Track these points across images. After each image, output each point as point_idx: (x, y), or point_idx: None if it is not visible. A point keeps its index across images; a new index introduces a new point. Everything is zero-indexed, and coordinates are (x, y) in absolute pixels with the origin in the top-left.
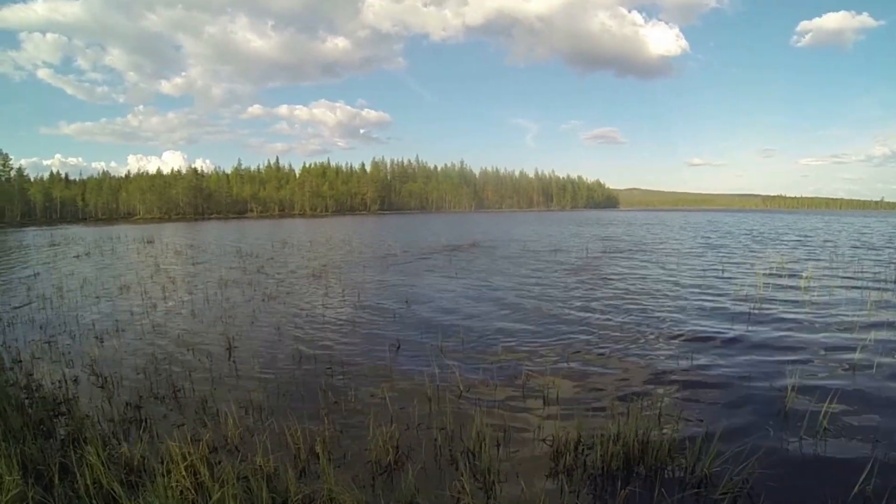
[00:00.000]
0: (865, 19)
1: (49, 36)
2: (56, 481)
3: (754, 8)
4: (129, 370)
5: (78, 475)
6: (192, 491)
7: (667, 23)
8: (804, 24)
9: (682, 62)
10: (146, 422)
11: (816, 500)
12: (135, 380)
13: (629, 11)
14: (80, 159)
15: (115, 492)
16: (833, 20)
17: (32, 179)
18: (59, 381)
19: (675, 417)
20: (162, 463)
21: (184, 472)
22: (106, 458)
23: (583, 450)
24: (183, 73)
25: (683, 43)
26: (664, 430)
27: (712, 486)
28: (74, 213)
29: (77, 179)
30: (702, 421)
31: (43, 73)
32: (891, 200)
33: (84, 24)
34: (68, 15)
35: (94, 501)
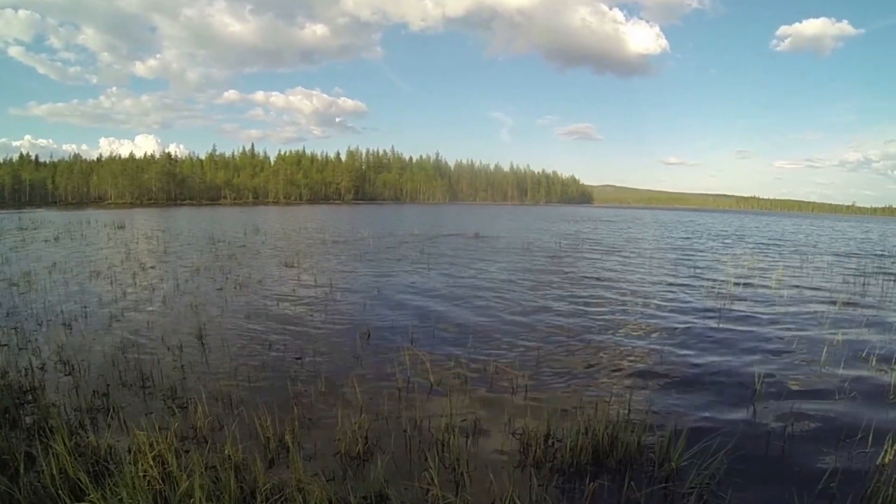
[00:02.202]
0: (845, 27)
1: (21, 12)
2: (22, 471)
3: (736, 10)
4: (97, 358)
5: (44, 465)
6: (160, 481)
7: (647, 21)
8: (784, 29)
9: (662, 61)
10: (114, 410)
11: (782, 496)
12: (103, 367)
13: (610, 8)
14: (50, 141)
15: (81, 482)
16: (813, 26)
17: (1, 161)
18: (26, 369)
19: (645, 412)
20: (129, 452)
21: (151, 462)
22: (72, 447)
23: (552, 443)
24: (158, 56)
25: (663, 42)
26: (633, 425)
27: (680, 480)
28: (44, 197)
29: (47, 162)
30: (671, 416)
31: (14, 51)
32: (862, 205)
33: (58, 2)
34: None
35: (60, 491)
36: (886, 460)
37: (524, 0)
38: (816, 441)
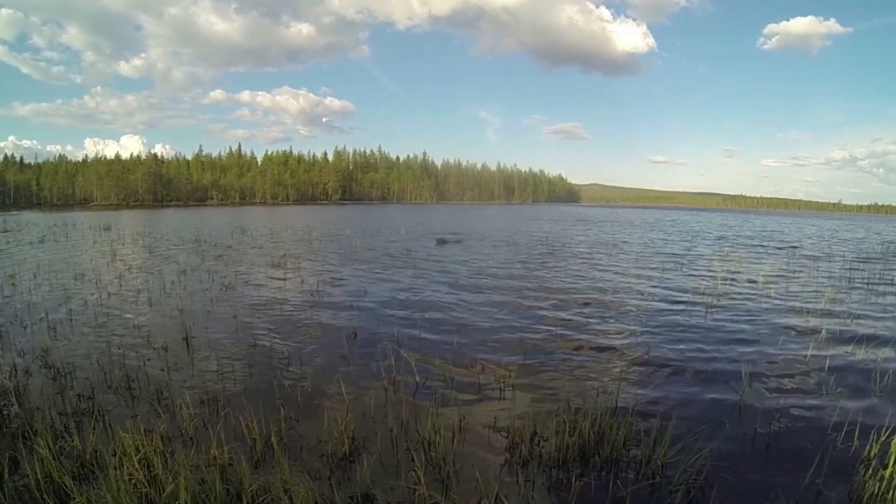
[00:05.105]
0: (832, 25)
1: (4, 11)
2: (6, 475)
3: (723, 8)
4: (82, 361)
5: (28, 469)
6: (146, 483)
7: (635, 20)
8: (771, 27)
9: (649, 60)
10: (99, 413)
11: (768, 492)
12: (88, 370)
13: (597, 7)
14: (34, 142)
15: (66, 485)
16: (800, 25)
17: None
18: (10, 372)
19: (631, 410)
20: (115, 455)
21: (137, 465)
22: (57, 451)
23: (538, 441)
24: (142, 55)
25: (651, 41)
26: (620, 423)
27: (667, 476)
28: (29, 198)
29: (32, 163)
30: (657, 414)
31: None
32: (848, 203)
33: (41, 0)
34: None
35: (45, 495)
36: (871, 454)
37: None
38: (802, 437)
